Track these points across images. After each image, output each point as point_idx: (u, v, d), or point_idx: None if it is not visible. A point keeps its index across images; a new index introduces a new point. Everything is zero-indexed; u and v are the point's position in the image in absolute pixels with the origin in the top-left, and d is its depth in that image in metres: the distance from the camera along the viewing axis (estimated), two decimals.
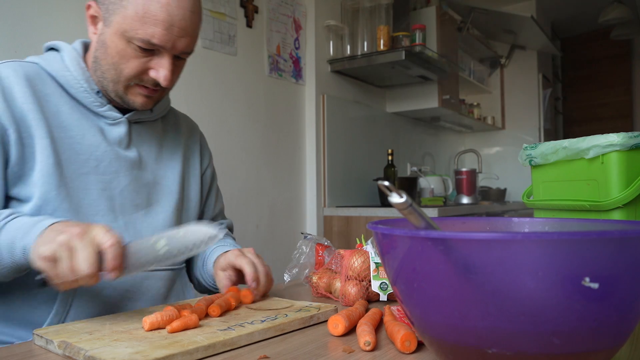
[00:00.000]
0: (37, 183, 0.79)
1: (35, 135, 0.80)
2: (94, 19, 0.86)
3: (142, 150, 0.93)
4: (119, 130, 0.89)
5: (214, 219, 1.11)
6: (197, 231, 0.71)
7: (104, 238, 0.64)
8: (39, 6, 1.47)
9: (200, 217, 1.08)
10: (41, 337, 0.63)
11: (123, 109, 0.91)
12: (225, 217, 1.18)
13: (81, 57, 0.88)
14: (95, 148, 0.86)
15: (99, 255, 0.64)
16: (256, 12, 2.29)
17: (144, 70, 0.84)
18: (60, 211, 0.80)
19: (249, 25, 2.25)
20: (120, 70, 0.83)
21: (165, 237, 0.70)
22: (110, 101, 0.89)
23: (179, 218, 0.97)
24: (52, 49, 0.91)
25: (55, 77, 0.86)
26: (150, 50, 0.81)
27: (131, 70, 0.83)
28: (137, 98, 0.87)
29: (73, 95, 0.86)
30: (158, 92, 0.88)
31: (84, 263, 0.62)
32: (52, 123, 0.82)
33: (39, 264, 0.65)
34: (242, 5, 2.21)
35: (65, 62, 0.86)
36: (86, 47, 0.92)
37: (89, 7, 0.86)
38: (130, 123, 0.91)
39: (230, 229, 1.16)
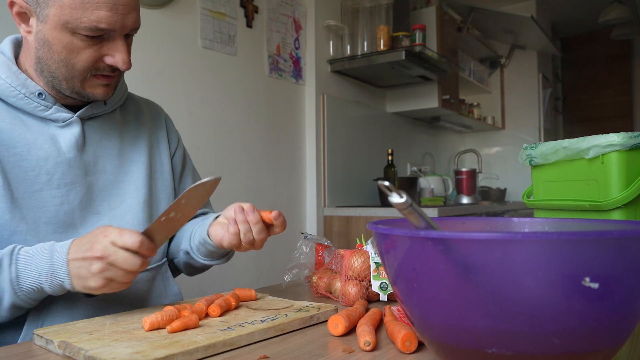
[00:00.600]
0: None
1: None
2: (22, 15, 0.77)
3: (100, 149, 0.86)
4: (72, 133, 0.82)
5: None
6: (197, 186, 0.71)
7: (129, 241, 0.68)
8: None
9: None
10: (41, 337, 0.63)
11: (73, 106, 0.84)
12: (210, 203, 1.11)
13: (12, 59, 0.80)
14: (45, 161, 0.79)
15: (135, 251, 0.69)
16: (256, 12, 2.29)
17: (98, 59, 0.77)
18: (18, 234, 0.75)
19: (249, 25, 2.25)
20: (72, 66, 0.77)
21: (172, 209, 0.71)
22: (58, 99, 0.82)
23: (149, 213, 0.91)
24: None
25: None
26: (98, 36, 0.75)
27: (84, 62, 0.76)
28: (96, 90, 0.80)
29: (13, 105, 0.79)
30: (116, 77, 0.82)
31: (132, 266, 0.69)
32: None
33: (95, 292, 0.71)
34: (242, 5, 2.21)
35: None
36: (18, 43, 0.84)
37: (12, 4, 0.77)
38: (83, 121, 0.84)
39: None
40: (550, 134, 4.36)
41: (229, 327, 0.65)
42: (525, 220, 0.60)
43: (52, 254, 0.71)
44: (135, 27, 0.79)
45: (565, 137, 3.09)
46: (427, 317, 0.43)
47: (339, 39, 2.73)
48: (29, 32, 0.78)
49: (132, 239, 0.68)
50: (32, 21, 0.77)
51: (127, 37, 0.81)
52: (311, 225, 2.58)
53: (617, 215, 0.68)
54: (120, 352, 0.55)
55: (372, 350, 0.59)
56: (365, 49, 2.67)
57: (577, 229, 0.55)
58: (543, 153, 0.80)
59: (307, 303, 0.79)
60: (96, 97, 0.81)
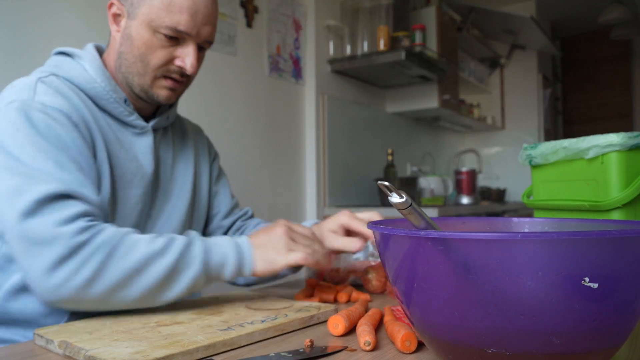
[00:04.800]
0: (102, 189, 0.81)
1: (97, 145, 0.82)
2: (117, 17, 0.87)
3: (162, 158, 0.95)
4: (147, 142, 0.90)
5: (232, 210, 1.12)
6: None
7: (308, 232, 0.83)
8: (41, 8, 1.48)
9: (211, 212, 1.10)
10: (41, 336, 0.63)
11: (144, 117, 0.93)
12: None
13: (102, 65, 0.87)
14: (130, 162, 0.87)
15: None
16: (256, 12, 2.29)
17: (170, 60, 0.85)
18: (106, 220, 0.80)
19: (249, 25, 2.25)
20: (147, 62, 0.84)
21: None
22: (134, 106, 0.91)
23: (191, 215, 1.00)
24: (62, 53, 0.88)
25: (84, 89, 0.84)
26: (175, 39, 0.83)
27: (158, 60, 0.84)
28: (161, 91, 0.88)
29: (102, 107, 0.86)
30: (181, 85, 0.90)
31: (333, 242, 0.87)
32: (102, 136, 0.83)
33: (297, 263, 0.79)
34: (242, 5, 2.21)
35: (90, 73, 0.85)
36: (99, 51, 0.91)
37: (111, 5, 0.86)
38: (153, 132, 0.93)
39: (252, 214, 1.17)
40: (550, 134, 4.36)
41: (229, 327, 0.65)
42: (525, 220, 0.60)
43: (233, 239, 0.79)
44: (209, 41, 0.88)
45: (565, 137, 3.10)
46: (427, 317, 0.43)
47: (339, 39, 2.73)
48: (118, 31, 0.87)
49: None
50: (123, 21, 0.86)
51: (201, 50, 0.89)
52: None
53: (616, 215, 0.68)
54: (121, 352, 0.55)
55: (372, 350, 0.59)
56: (365, 49, 2.67)
57: (577, 229, 0.55)
58: (543, 153, 0.80)
59: (307, 303, 0.79)
60: (160, 98, 0.88)
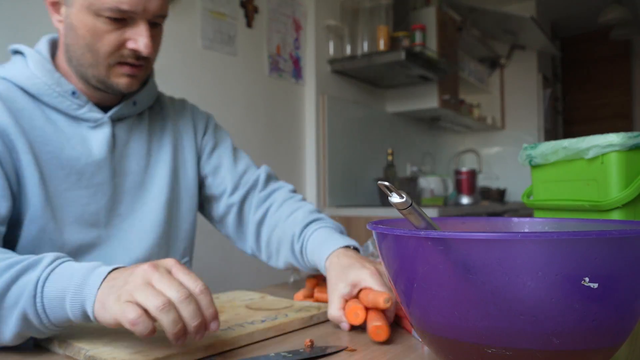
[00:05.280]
0: (28, 202, 0.74)
1: (19, 150, 0.74)
2: (56, 5, 0.79)
3: (128, 151, 0.86)
4: (103, 134, 0.82)
5: (240, 180, 0.98)
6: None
7: (193, 284, 0.54)
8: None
9: (213, 193, 0.98)
10: None
11: (104, 107, 0.85)
12: (257, 166, 1.03)
13: (48, 57, 0.81)
14: (76, 161, 0.79)
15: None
16: (256, 12, 2.29)
17: (122, 44, 0.77)
18: (45, 232, 0.75)
19: (249, 25, 2.25)
20: (96, 50, 0.77)
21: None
22: (90, 97, 0.83)
23: (169, 213, 0.90)
24: (17, 52, 0.83)
25: (24, 87, 0.78)
26: (121, 20, 0.75)
27: (107, 46, 0.76)
28: (120, 80, 0.80)
29: (47, 103, 0.79)
30: (142, 69, 0.82)
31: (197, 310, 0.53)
32: (30, 137, 0.76)
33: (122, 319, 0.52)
34: (242, 5, 2.21)
35: (31, 69, 0.79)
36: (54, 43, 0.84)
37: None
38: (114, 122, 0.85)
39: (270, 175, 1.01)
40: (550, 134, 4.36)
41: (229, 327, 0.65)
42: (525, 220, 0.60)
43: (92, 270, 0.58)
44: (161, 14, 0.79)
45: (565, 137, 3.10)
46: (427, 317, 0.43)
47: (339, 39, 2.73)
48: (60, 21, 0.79)
49: (199, 286, 0.54)
50: (63, 9, 0.78)
51: (155, 27, 0.81)
52: None
53: (616, 215, 0.68)
54: (121, 352, 0.55)
55: (385, 342, 0.61)
56: (365, 49, 2.67)
57: (577, 229, 0.55)
58: (543, 153, 0.80)
59: (307, 303, 0.79)
60: (120, 87, 0.81)
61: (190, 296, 0.52)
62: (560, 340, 0.37)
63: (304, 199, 0.99)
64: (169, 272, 0.55)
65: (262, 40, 2.33)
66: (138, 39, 0.77)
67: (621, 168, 0.67)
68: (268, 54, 2.35)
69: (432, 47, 2.90)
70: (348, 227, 2.49)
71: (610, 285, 0.36)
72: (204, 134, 1.00)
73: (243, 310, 0.76)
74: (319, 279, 0.99)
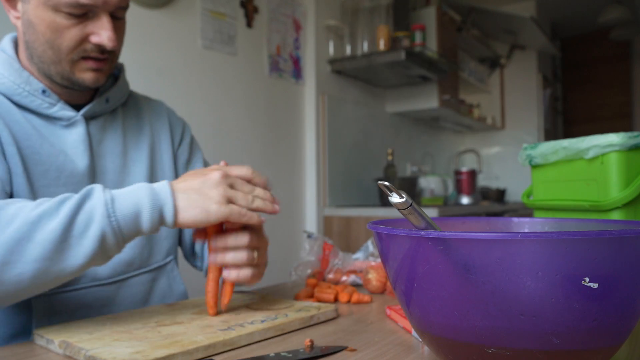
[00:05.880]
0: (15, 189, 0.74)
1: (3, 141, 0.73)
2: (11, 1, 0.76)
3: (103, 150, 0.85)
4: (77, 133, 0.80)
5: None
6: None
7: (242, 170, 0.73)
8: None
9: None
10: (42, 336, 0.63)
11: (76, 106, 0.83)
12: None
13: (14, 56, 0.79)
14: (55, 158, 0.78)
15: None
16: (256, 12, 2.29)
17: (84, 38, 0.74)
18: None
19: (249, 25, 2.25)
20: (57, 47, 0.74)
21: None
22: (61, 95, 0.80)
23: None
24: None
25: None
26: (82, 15, 0.72)
27: (69, 42, 0.73)
28: (85, 75, 0.77)
29: (17, 103, 0.77)
30: (106, 63, 0.79)
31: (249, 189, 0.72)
32: (13, 130, 0.75)
33: (213, 217, 0.65)
34: (242, 5, 2.21)
35: None
36: (17, 41, 0.82)
37: None
38: (87, 120, 0.82)
39: None
40: (550, 134, 4.37)
41: (229, 327, 0.65)
42: (525, 220, 0.60)
43: (149, 185, 0.65)
44: (122, 6, 0.76)
45: (565, 137, 3.10)
46: (427, 317, 0.43)
47: (339, 39, 2.73)
48: (18, 18, 0.76)
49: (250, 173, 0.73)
50: (20, 5, 0.75)
51: (117, 20, 0.78)
52: (311, 225, 2.58)
53: (616, 215, 0.68)
54: (121, 352, 0.55)
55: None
56: (365, 49, 2.67)
57: (577, 229, 0.55)
58: (543, 153, 0.80)
59: (307, 303, 0.79)
60: (86, 82, 0.78)
61: (258, 182, 0.75)
62: (560, 340, 0.37)
63: None
64: (229, 173, 0.71)
65: (262, 40, 2.33)
66: (101, 33, 0.74)
67: (621, 168, 0.67)
68: (268, 54, 2.35)
69: (432, 47, 2.90)
70: (348, 227, 2.50)
71: (610, 285, 0.36)
72: (180, 143, 0.99)
73: (243, 310, 0.76)
74: (319, 279, 0.99)
